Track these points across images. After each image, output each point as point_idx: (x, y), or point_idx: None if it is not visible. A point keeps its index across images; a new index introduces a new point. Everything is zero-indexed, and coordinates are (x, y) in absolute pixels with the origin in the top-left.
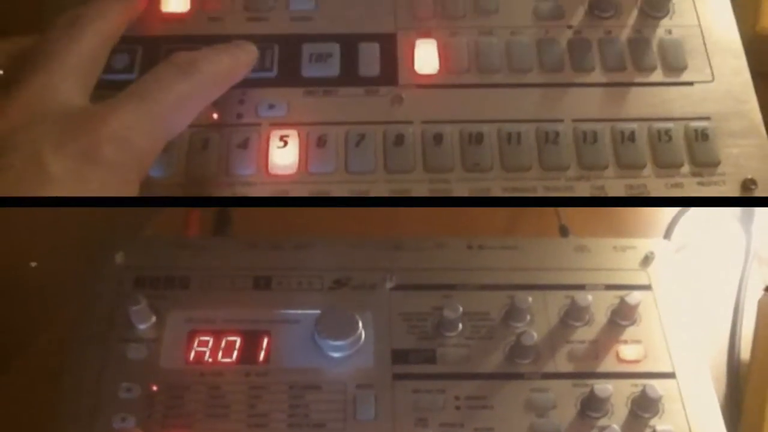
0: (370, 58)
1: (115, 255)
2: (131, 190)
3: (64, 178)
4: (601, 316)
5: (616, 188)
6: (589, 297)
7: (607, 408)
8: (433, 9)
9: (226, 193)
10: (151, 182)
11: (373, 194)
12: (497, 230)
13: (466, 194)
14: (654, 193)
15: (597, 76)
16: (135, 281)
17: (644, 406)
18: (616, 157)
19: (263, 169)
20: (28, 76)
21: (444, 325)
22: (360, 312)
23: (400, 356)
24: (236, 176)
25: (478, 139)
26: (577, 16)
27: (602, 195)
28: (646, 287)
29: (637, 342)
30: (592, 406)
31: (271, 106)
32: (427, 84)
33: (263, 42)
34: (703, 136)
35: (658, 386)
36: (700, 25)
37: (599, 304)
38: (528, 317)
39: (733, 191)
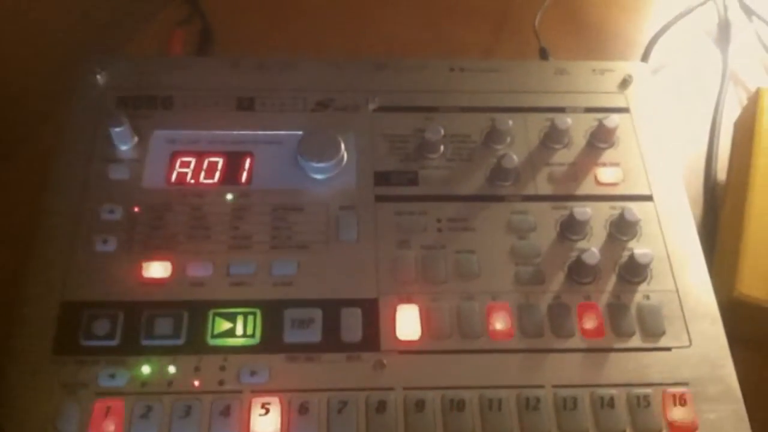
0: (352, 324)
1: (96, 75)
2: None
3: None
4: (579, 139)
5: None
6: (569, 120)
7: (585, 230)
8: (415, 274)
9: None
10: None
11: None
12: (478, 52)
13: None
14: None
15: (576, 341)
16: (117, 101)
17: (622, 229)
18: (596, 423)
19: None
20: None
21: (426, 147)
22: (342, 133)
23: (382, 178)
24: None
25: (460, 406)
26: (557, 282)
27: None
28: (624, 110)
29: (615, 165)
30: (571, 228)
31: (253, 373)
32: (409, 350)
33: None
34: (680, 401)
35: (635, 209)
36: (677, 291)
37: (578, 127)
38: (508, 139)
39: None
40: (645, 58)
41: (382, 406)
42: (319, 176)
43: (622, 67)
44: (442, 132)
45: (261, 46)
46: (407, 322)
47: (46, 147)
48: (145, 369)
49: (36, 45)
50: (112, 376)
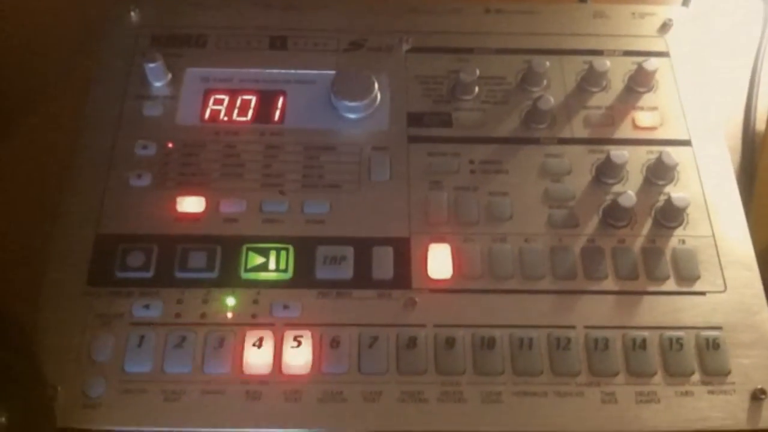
0: (383, 262)
1: (130, 13)
2: None
3: None
4: (618, 83)
5: (626, 395)
6: (607, 62)
7: (622, 174)
8: (447, 215)
9: (240, 390)
10: (168, 378)
11: (385, 395)
12: None
13: (477, 397)
14: (664, 401)
15: (609, 284)
16: (151, 39)
17: (659, 173)
18: (627, 365)
19: (277, 369)
20: None
21: (460, 89)
22: (376, 74)
23: (415, 119)
24: (251, 375)
25: (490, 343)
26: (591, 225)
27: (612, 402)
28: (664, 54)
29: (654, 109)
30: (607, 172)
31: (286, 307)
32: (440, 288)
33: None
34: (714, 345)
35: (673, 153)
36: (713, 236)
37: (617, 70)
38: (545, 82)
39: (743, 401)
40: (686, 3)
41: (412, 342)
42: (351, 116)
43: (662, 11)
44: (477, 73)
45: None
46: (439, 262)
47: (77, 88)
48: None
49: None
50: (147, 307)
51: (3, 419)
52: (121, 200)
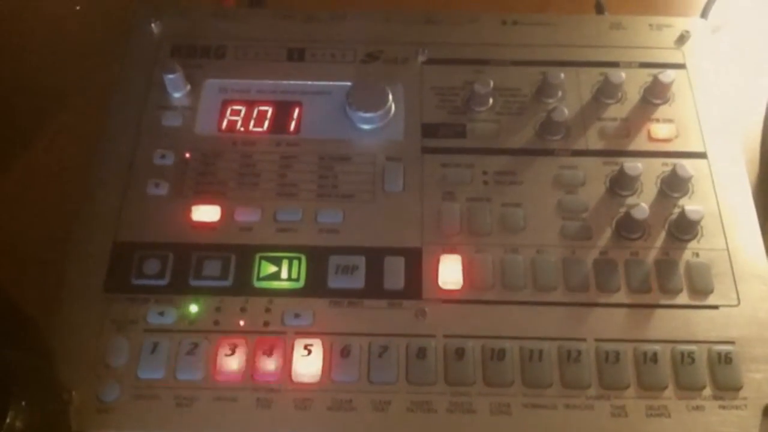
0: (395, 272)
1: (151, 24)
2: None
3: None
4: (634, 94)
5: (637, 408)
6: (623, 74)
7: (636, 186)
8: (459, 225)
9: (250, 397)
10: (181, 384)
11: (394, 405)
12: (531, 7)
13: (486, 408)
14: (675, 415)
15: (622, 296)
16: (171, 50)
17: (674, 186)
18: (638, 378)
19: (287, 377)
20: None
21: (475, 100)
22: (391, 85)
23: (430, 130)
24: (261, 382)
25: (500, 355)
26: (604, 237)
27: (622, 415)
28: (681, 66)
29: (669, 121)
30: (621, 183)
31: (297, 316)
32: (451, 299)
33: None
34: (726, 360)
35: (688, 166)
36: (728, 250)
37: (632, 82)
38: (560, 93)
39: (755, 416)
40: (704, 15)
41: (422, 353)
42: (366, 127)
43: (679, 23)
44: (492, 85)
45: (311, 1)
46: (450, 272)
47: (98, 98)
48: (193, 308)
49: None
50: (161, 314)
51: (18, 422)
52: (138, 208)
